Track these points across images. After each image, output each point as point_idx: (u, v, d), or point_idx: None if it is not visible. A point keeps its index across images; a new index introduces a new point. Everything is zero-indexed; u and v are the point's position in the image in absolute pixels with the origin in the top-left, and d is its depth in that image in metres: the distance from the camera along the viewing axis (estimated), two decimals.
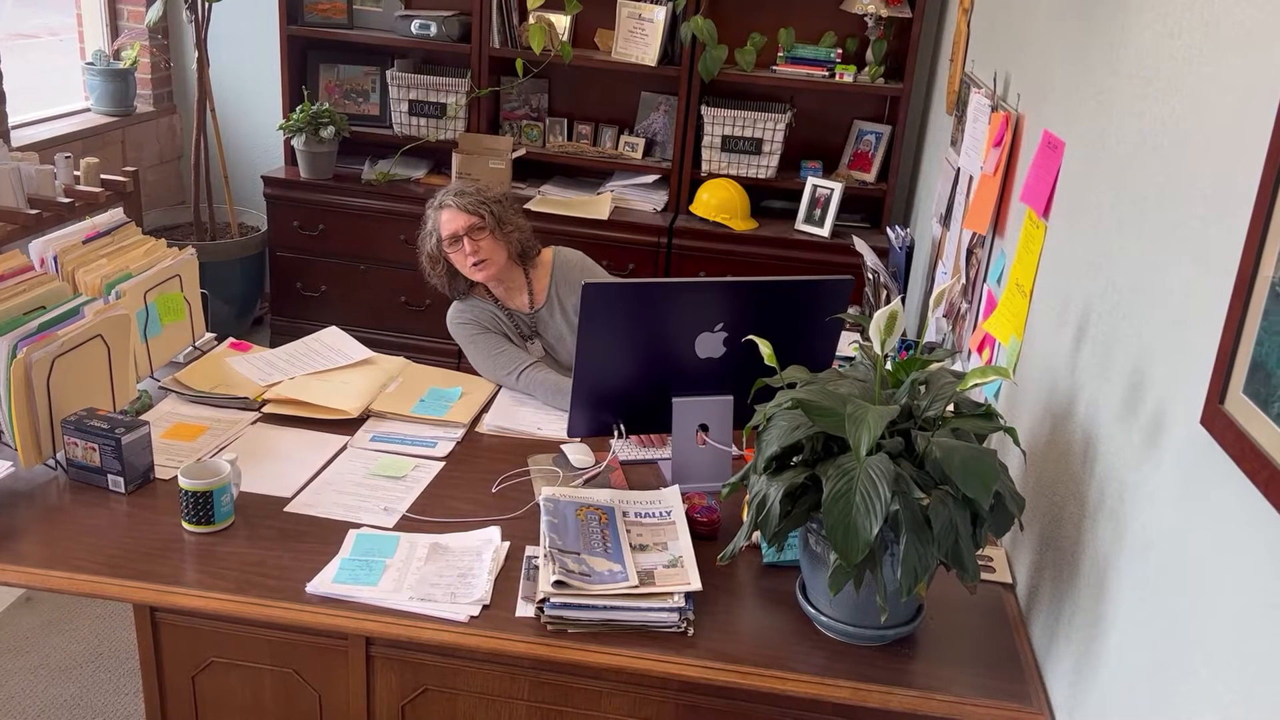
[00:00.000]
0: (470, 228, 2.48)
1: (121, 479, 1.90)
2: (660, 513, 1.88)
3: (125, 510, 1.87)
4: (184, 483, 1.78)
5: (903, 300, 2.67)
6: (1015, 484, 1.60)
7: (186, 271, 2.39)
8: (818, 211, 3.99)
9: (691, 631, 1.63)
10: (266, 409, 2.25)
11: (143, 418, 2.10)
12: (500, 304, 2.61)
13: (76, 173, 3.57)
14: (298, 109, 4.11)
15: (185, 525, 1.81)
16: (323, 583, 1.69)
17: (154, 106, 4.56)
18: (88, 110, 4.34)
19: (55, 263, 2.19)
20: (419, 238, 2.61)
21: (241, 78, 4.59)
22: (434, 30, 4.06)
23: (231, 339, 2.55)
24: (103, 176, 3.63)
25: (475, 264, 2.49)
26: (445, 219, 2.50)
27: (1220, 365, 1.14)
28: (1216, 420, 1.14)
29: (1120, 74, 1.66)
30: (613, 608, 1.62)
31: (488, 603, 1.67)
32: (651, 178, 4.23)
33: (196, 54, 4.16)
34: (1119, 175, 1.59)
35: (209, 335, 2.54)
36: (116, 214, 2.41)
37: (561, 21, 4.04)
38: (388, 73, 4.20)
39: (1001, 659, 1.64)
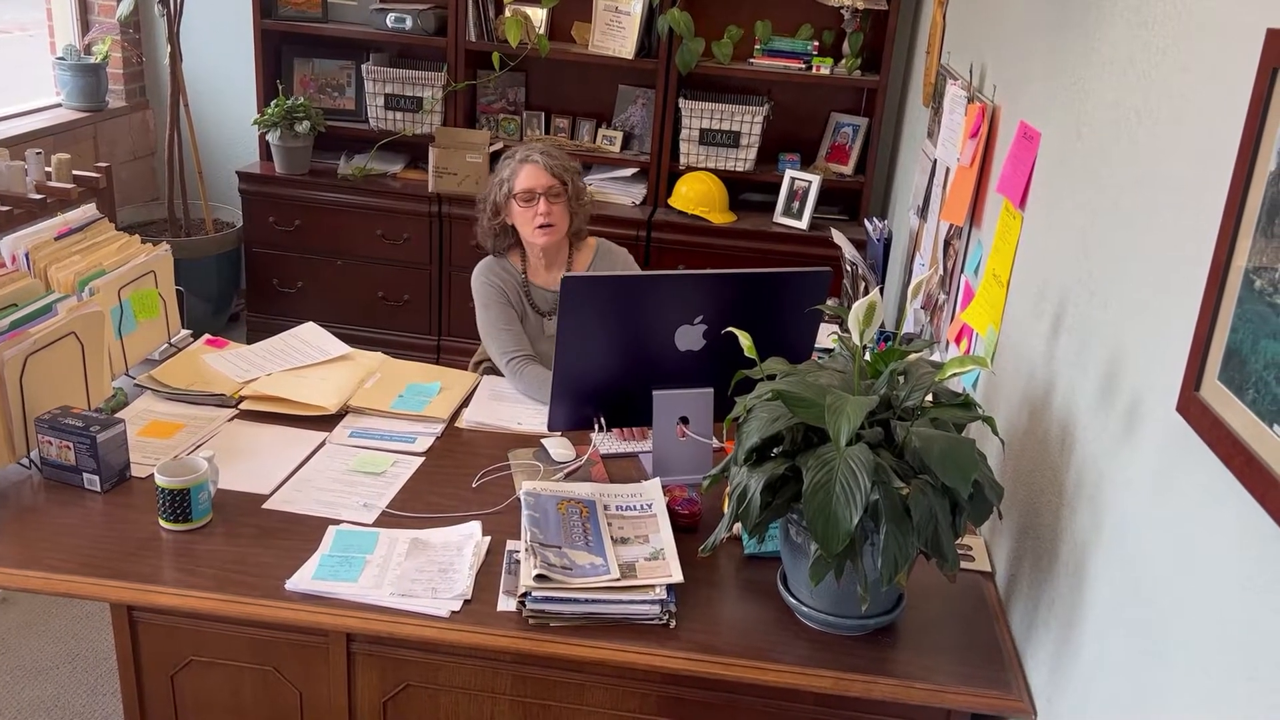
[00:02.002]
0: (549, 189, 2.49)
1: (97, 477, 1.88)
2: (641, 505, 1.88)
3: (101, 509, 1.85)
4: (161, 480, 1.77)
5: (881, 292, 2.68)
6: (994, 473, 1.61)
7: (161, 268, 2.37)
8: (796, 204, 3.99)
9: (673, 623, 1.63)
10: (243, 406, 2.23)
11: (118, 415, 2.08)
12: (526, 277, 2.60)
13: (48, 169, 3.53)
14: (272, 104, 4.07)
15: (162, 523, 1.79)
16: (302, 579, 1.68)
17: (126, 102, 4.51)
18: (59, 106, 4.29)
19: (27, 259, 2.17)
20: (487, 184, 2.59)
21: (215, 72, 4.54)
22: (409, 24, 4.04)
23: (207, 336, 2.52)
24: (75, 172, 3.60)
25: (541, 226, 2.49)
26: (527, 173, 2.50)
27: (1195, 353, 1.15)
28: (1192, 407, 1.15)
29: (1094, 64, 1.67)
30: (594, 601, 1.62)
31: (469, 598, 1.66)
32: (630, 171, 4.22)
33: (169, 48, 4.12)
34: (1095, 165, 1.60)
35: (185, 332, 2.52)
36: (89, 210, 2.38)
37: (538, 14, 4.02)
38: (363, 67, 4.17)
39: (982, 647, 1.65)
